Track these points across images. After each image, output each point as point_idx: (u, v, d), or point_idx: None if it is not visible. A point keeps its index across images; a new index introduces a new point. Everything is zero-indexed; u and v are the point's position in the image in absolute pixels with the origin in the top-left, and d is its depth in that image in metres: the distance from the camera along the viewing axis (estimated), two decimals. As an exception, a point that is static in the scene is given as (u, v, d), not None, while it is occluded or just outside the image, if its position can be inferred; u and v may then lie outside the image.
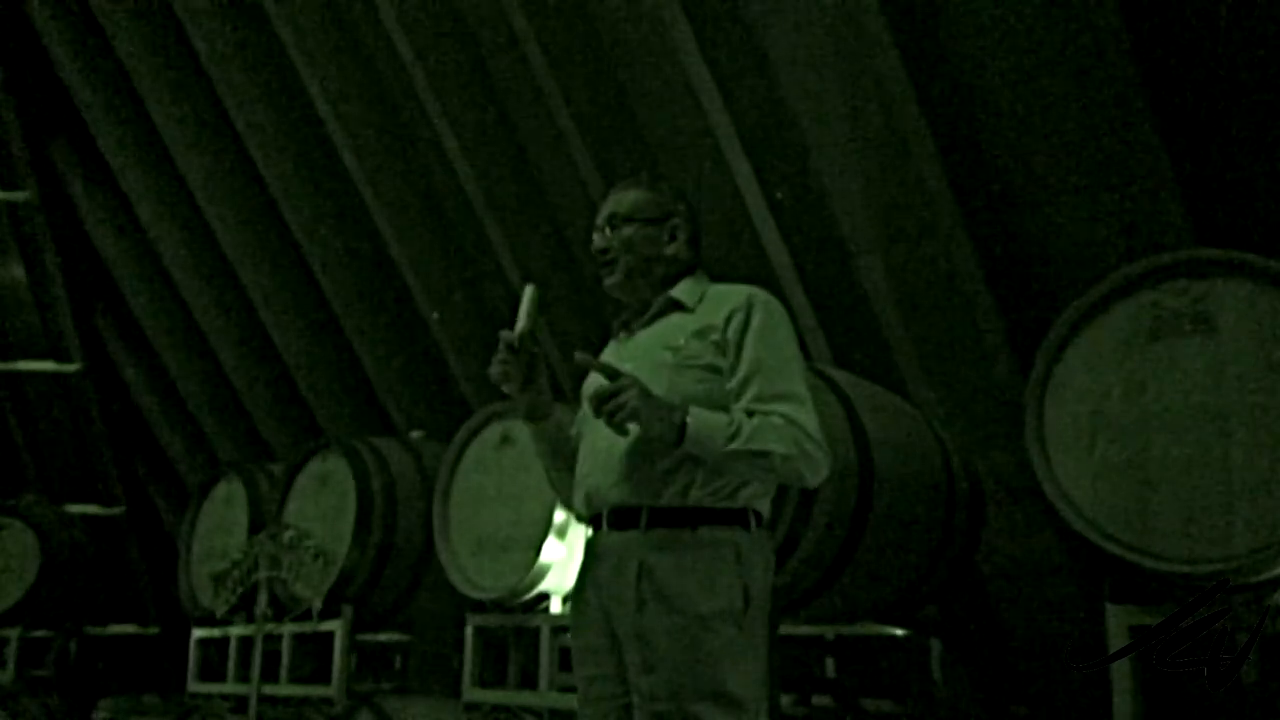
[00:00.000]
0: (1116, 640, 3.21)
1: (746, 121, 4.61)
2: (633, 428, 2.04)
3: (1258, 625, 3.05)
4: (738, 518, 2.10)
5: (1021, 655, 4.69)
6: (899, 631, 4.16)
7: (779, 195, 4.64)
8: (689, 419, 2.02)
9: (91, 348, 8.51)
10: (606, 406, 2.00)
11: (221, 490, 6.51)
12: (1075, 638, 4.29)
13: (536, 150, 5.58)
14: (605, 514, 2.15)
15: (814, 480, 2.11)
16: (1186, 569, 3.08)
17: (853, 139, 4.41)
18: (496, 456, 4.93)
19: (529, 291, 2.21)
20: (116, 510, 8.80)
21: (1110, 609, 3.26)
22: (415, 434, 6.22)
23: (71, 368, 8.52)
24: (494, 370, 2.21)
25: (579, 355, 2.12)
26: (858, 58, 4.24)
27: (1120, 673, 3.19)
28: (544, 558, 4.59)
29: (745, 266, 4.71)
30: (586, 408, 2.25)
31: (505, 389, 2.23)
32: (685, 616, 2.01)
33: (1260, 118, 3.76)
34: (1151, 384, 3.23)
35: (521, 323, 2.19)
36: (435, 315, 6.33)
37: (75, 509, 8.58)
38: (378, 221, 6.28)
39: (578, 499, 2.25)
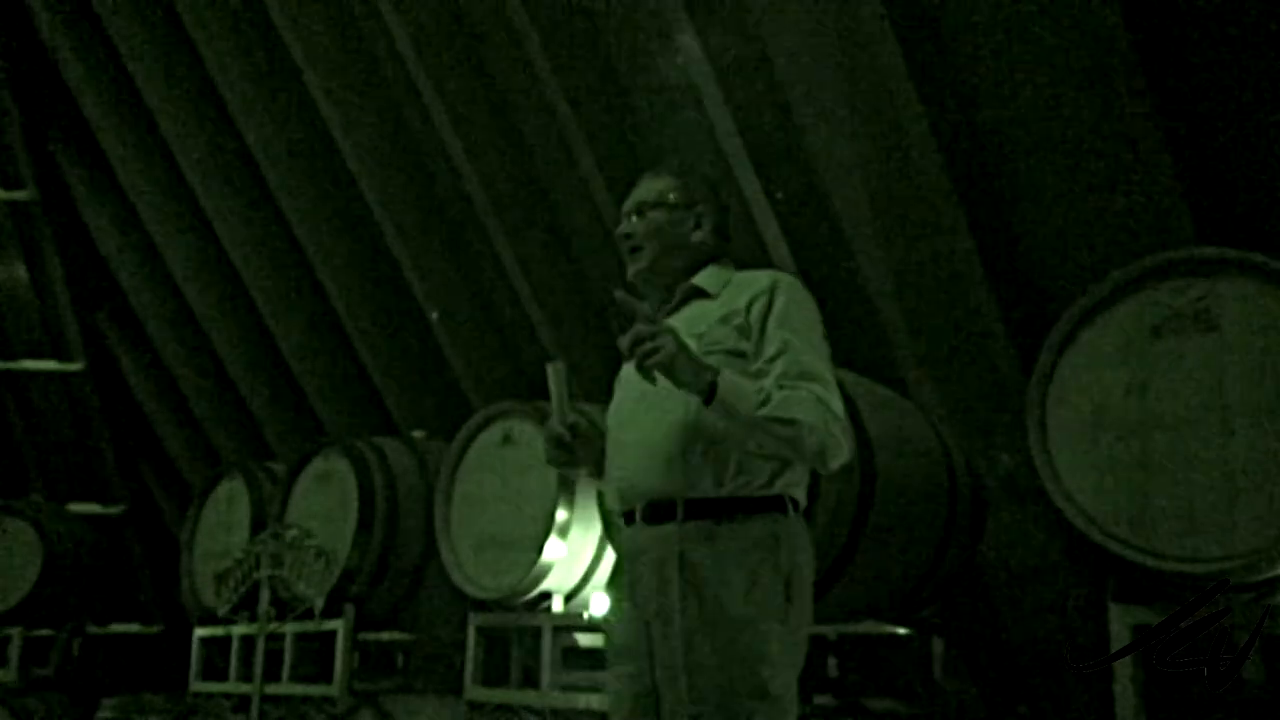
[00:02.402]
0: (1118, 639, 3.22)
1: (748, 121, 4.61)
2: (668, 421, 2.03)
3: (1259, 624, 3.05)
4: (775, 504, 2.08)
5: (1023, 654, 4.69)
6: (901, 630, 4.16)
7: (780, 195, 4.64)
8: (719, 380, 1.99)
9: (94, 347, 8.51)
10: (642, 348, 1.97)
11: (223, 489, 6.52)
12: (1077, 637, 4.29)
13: (538, 149, 5.58)
14: (640, 509, 2.13)
15: (834, 462, 2.07)
16: (1188, 568, 3.08)
17: (854, 138, 4.41)
18: (498, 456, 4.93)
19: (554, 372, 2.21)
20: (118, 509, 8.80)
21: (1112, 608, 3.26)
22: (417, 433, 6.22)
23: (74, 367, 8.52)
24: (554, 461, 2.25)
25: (619, 295, 2.11)
26: (859, 56, 4.24)
27: (1122, 672, 3.19)
28: (545, 557, 4.59)
29: (746, 266, 4.70)
30: (617, 401, 2.25)
31: (572, 474, 2.26)
32: (727, 617, 1.99)
33: (1262, 117, 3.75)
34: (1153, 383, 3.23)
35: (563, 409, 2.21)
36: (436, 315, 6.33)
37: (77, 508, 8.59)
38: (379, 221, 6.28)
39: (610, 494, 2.23)
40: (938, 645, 4.19)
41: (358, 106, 6.06)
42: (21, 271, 8.46)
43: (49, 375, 8.61)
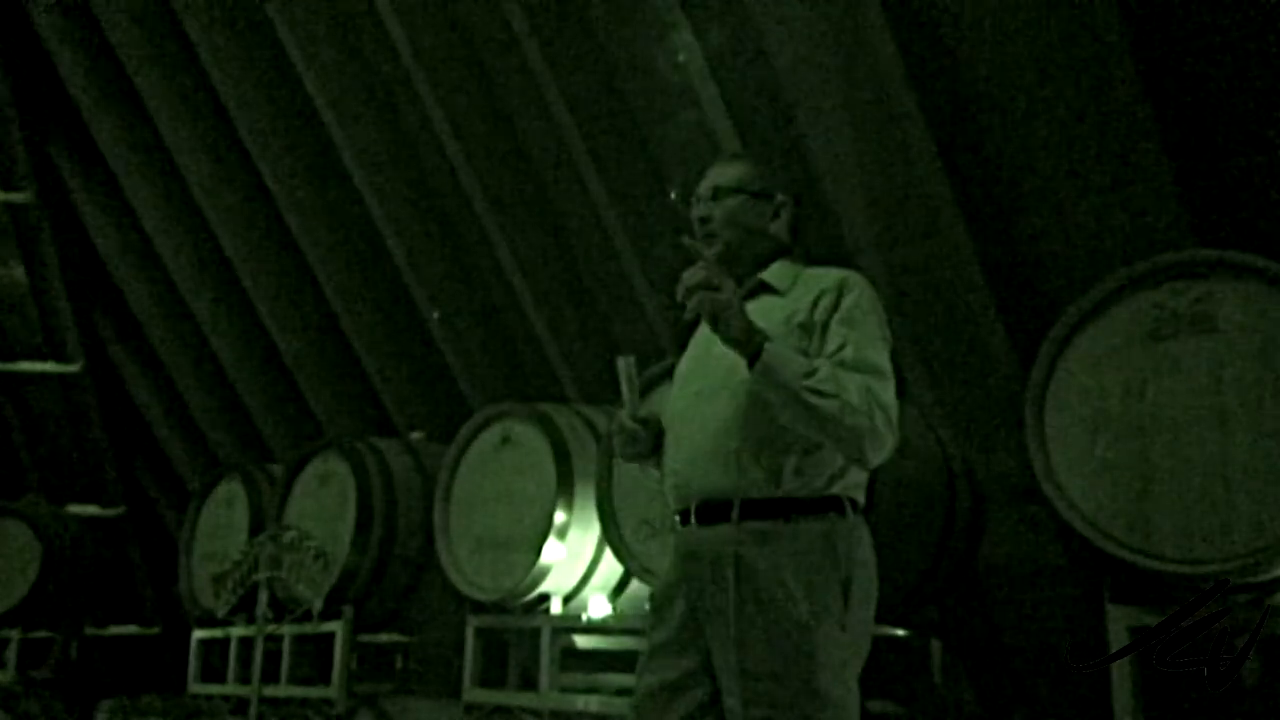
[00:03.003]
0: (1116, 641, 3.22)
1: (746, 121, 4.61)
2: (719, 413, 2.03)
3: (1258, 625, 3.05)
4: (832, 505, 2.05)
5: (1021, 656, 4.68)
6: (899, 632, 4.15)
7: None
8: (767, 344, 1.95)
9: (92, 348, 8.51)
10: (699, 284, 1.94)
11: (222, 491, 6.52)
12: (1075, 638, 4.29)
13: (536, 149, 5.58)
14: (694, 507, 2.10)
15: (873, 454, 2.00)
16: (1186, 569, 3.08)
17: (853, 140, 4.41)
18: (496, 457, 4.93)
19: (624, 366, 2.20)
20: (117, 511, 8.80)
21: (1110, 609, 3.26)
22: (415, 435, 6.22)
23: (72, 368, 8.52)
24: (626, 455, 2.24)
25: (685, 240, 2.08)
26: (858, 58, 4.24)
27: (1120, 673, 3.19)
28: (544, 558, 4.59)
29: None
30: (674, 396, 2.23)
31: (642, 467, 2.27)
32: (785, 623, 1.96)
33: (1260, 118, 3.76)
34: (1152, 384, 3.23)
35: (634, 403, 2.21)
36: (435, 315, 6.32)
37: (76, 510, 8.58)
38: (378, 221, 6.28)
39: (667, 492, 2.20)
40: (936, 647, 4.19)
41: (356, 107, 6.06)
42: (20, 273, 8.45)
43: (47, 377, 8.60)
